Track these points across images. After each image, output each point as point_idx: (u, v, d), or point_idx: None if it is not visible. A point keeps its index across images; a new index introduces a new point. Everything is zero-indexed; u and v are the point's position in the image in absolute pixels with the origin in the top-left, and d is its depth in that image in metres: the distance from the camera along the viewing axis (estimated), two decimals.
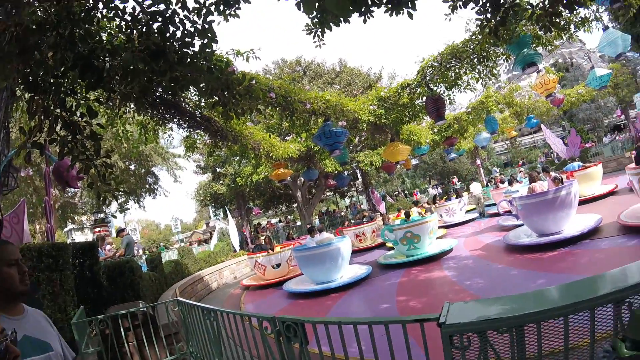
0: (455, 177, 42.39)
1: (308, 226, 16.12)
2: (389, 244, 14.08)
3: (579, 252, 8.72)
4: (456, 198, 20.23)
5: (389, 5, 4.83)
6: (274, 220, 42.26)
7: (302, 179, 24.15)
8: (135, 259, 13.37)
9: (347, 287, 10.63)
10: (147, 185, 30.46)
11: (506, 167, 45.61)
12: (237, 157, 23.29)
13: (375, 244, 17.48)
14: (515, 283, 7.78)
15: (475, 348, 2.12)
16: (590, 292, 2.07)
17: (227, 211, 26.06)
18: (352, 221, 22.38)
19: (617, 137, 31.17)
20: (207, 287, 15.15)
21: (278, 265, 13.92)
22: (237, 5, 5.04)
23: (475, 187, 23.41)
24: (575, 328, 2.11)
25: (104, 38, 5.52)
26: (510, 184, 19.43)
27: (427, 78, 12.50)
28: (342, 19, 5.05)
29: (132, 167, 28.55)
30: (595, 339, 2.06)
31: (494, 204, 18.27)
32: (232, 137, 12.45)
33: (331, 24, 5.28)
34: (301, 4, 2.88)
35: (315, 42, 5.96)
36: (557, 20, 5.67)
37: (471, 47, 11.40)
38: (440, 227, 16.80)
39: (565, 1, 5.38)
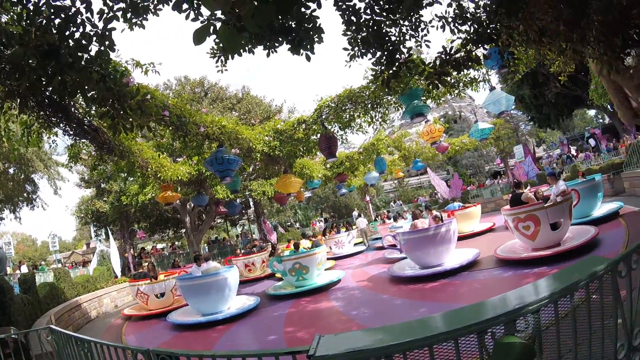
0: (356, 210, 43.48)
1: (194, 254, 15.55)
2: (278, 275, 13.97)
3: (458, 283, 9.32)
4: (345, 231, 20.64)
5: (290, 45, 4.95)
6: (159, 246, 40.40)
7: (192, 204, 23.38)
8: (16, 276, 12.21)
9: (235, 318, 10.37)
10: (25, 194, 27.82)
11: (394, 203, 47.65)
12: (124, 174, 21.97)
13: (264, 275, 17.06)
14: (399, 312, 8.13)
15: None
16: (454, 323, 2.19)
17: (110, 232, 24.37)
18: (242, 250, 22.04)
19: (496, 182, 33.69)
20: (86, 316, 14.09)
21: (162, 295, 13.21)
22: (145, 15, 4.91)
23: (361, 222, 24.26)
24: (443, 357, 2.19)
25: (2, 23, 5.12)
26: (395, 219, 20.26)
27: (323, 117, 12.93)
28: (247, 48, 5.09)
29: (11, 170, 25.98)
30: None
31: (381, 238, 18.89)
32: (119, 152, 11.76)
33: (237, 53, 5.31)
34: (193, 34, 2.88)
35: (217, 66, 5.93)
36: (446, 79, 6.11)
37: (367, 93, 12.05)
38: (329, 258, 17.11)
39: (454, 63, 5.79)
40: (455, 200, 21.27)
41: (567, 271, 2.66)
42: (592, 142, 31.96)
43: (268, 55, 5.22)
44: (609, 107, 25.14)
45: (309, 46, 5.00)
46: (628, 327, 2.49)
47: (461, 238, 14.86)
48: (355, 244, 21.11)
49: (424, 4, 5.77)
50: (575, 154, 30.51)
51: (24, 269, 25.18)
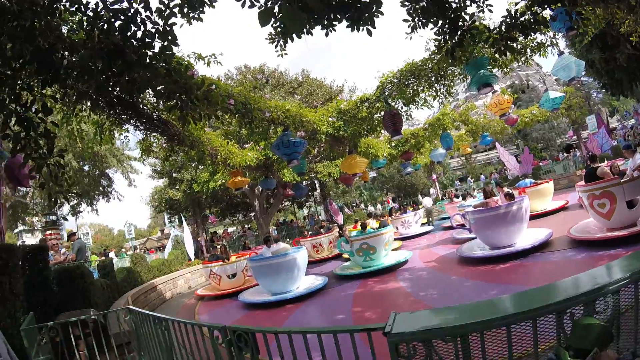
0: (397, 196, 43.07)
1: (265, 236, 15.90)
2: (345, 255, 14.08)
3: (530, 264, 8.97)
4: (412, 211, 20.47)
5: (350, 22, 4.91)
6: (230, 229, 41.64)
7: (260, 188, 23.86)
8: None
9: (303, 298, 10.56)
10: (100, 188, 29.60)
11: (461, 182, 46.61)
12: (194, 163, 22.77)
13: (332, 255, 17.32)
14: (468, 294, 7.96)
15: (421, 356, 2.15)
16: (533, 302, 2.14)
17: (183, 218, 25.38)
18: (310, 232, 22.34)
19: (569, 156, 32.23)
20: (161, 297, 14.77)
21: (234, 275, 13.67)
22: (201, 9, 5.02)
23: (427, 201, 23.91)
24: (519, 338, 2.16)
25: (64, 33, 5.39)
26: (464, 198, 19.85)
27: (386, 93, 12.73)
28: (305, 29, 5.09)
29: (86, 167, 27.71)
30: (542, 348, 2.12)
31: (449, 217, 18.58)
32: (190, 142, 12.21)
33: (294, 34, 5.32)
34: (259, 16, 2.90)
35: (277, 51, 5.98)
36: (513, 44, 5.86)
37: (430, 66, 11.69)
38: (396, 239, 16.95)
39: (520, 27, 5.56)
40: (527, 176, 20.57)
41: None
42: None
43: (327, 34, 5.22)
44: None
45: (369, 21, 4.94)
46: None
47: (533, 217, 14.21)
48: (422, 224, 20.91)
49: None
50: None
51: (112, 254, 26.87)
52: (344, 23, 5.08)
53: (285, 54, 6.13)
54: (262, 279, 11.45)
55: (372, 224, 16.75)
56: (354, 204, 47.46)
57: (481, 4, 5.78)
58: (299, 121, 12.74)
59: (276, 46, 5.85)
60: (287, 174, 20.35)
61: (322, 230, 19.21)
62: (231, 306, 11.82)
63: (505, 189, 12.11)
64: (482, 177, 41.48)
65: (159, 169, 30.37)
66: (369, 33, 5.03)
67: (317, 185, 32.95)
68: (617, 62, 26.53)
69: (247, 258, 13.63)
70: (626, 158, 10.71)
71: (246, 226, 39.92)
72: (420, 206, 23.82)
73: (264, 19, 2.99)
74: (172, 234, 27.35)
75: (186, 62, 8.42)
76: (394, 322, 2.29)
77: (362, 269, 12.08)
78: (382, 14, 5.21)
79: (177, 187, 28.78)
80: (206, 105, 7.44)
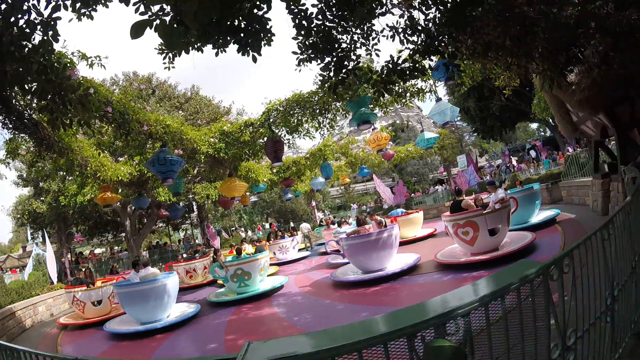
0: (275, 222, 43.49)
1: (133, 259, 14.96)
2: (220, 282, 13.72)
3: (400, 287, 9.56)
4: (290, 237, 20.61)
5: (238, 45, 4.91)
6: (98, 250, 38.81)
7: (133, 207, 22.47)
8: None
9: (175, 327, 10.07)
10: None
11: (339, 210, 47.97)
12: (62, 173, 20.72)
13: (206, 281, 16.65)
14: (341, 317, 8.13)
15: None
16: (384, 327, 2.21)
17: (46, 235, 23.03)
18: (184, 256, 21.48)
19: (439, 189, 34.57)
20: (20, 325, 13.19)
21: (99, 302, 12.62)
22: (94, 6, 4.74)
23: (304, 227, 24.50)
24: None
25: None
26: (339, 225, 20.41)
27: (271, 120, 12.94)
28: (196, 46, 5.02)
29: None
30: None
31: (325, 243, 18.96)
32: (59, 149, 11.25)
33: (178, 50, 5.20)
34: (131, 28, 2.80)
35: (164, 63, 5.81)
36: (391, 88, 6.22)
37: (315, 98, 12.14)
38: (273, 264, 17.06)
39: (400, 73, 5.89)
40: (399, 206, 21.64)
41: (499, 275, 2.72)
42: (532, 153, 33.61)
43: (217, 54, 5.17)
44: (550, 120, 26.24)
45: (256, 48, 4.96)
46: (562, 327, 2.58)
47: (404, 243, 15.25)
48: (300, 250, 21.11)
49: (376, 14, 5.85)
50: (515, 164, 31.73)
51: None
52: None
53: (173, 67, 5.99)
54: (129, 307, 10.68)
55: (248, 249, 16.58)
56: (233, 228, 46.70)
57: (370, 48, 6.08)
58: (179, 138, 12.35)
59: (164, 58, 5.68)
60: (162, 193, 19.51)
61: (196, 254, 18.55)
62: (97, 336, 10.90)
63: (378, 217, 12.68)
64: (354, 206, 42.92)
65: (24, 176, 27.53)
66: (254, 60, 5.07)
67: (194, 207, 31.88)
68: (491, 111, 29.32)
69: (113, 283, 12.63)
70: (490, 193, 11.75)
71: (115, 248, 37.33)
72: (297, 232, 24.04)
73: (135, 32, 2.88)
74: (33, 252, 24.97)
75: (68, 61, 7.90)
76: (246, 352, 2.27)
77: (236, 295, 11.85)
78: (271, 42, 5.28)
79: (42, 198, 26.18)
80: (80, 109, 6.95)
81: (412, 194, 36.83)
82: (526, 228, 11.76)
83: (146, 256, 26.63)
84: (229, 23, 4.69)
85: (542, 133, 53.47)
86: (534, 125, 58.59)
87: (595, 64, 7.49)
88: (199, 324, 10.24)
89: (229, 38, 4.92)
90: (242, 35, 4.89)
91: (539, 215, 13.16)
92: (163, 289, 10.42)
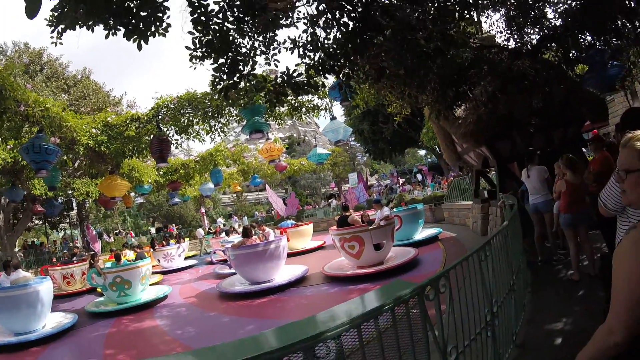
0: (173, 224, 42.08)
1: (4, 260, 13.49)
2: (99, 289, 12.88)
3: (287, 299, 9.61)
4: (176, 244, 20.00)
5: (125, 29, 4.75)
6: None
7: (7, 199, 19.90)
8: None
9: (51, 338, 9.27)
10: None
11: (230, 218, 47.41)
12: None
13: (85, 288, 15.24)
14: (225, 331, 8.03)
15: None
16: (244, 353, 2.14)
17: None
18: (62, 259, 19.89)
19: (329, 204, 35.31)
20: None
21: None
22: None
23: (199, 232, 24.00)
24: None
25: None
26: (227, 234, 20.16)
27: (160, 117, 12.37)
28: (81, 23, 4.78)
29: None
30: None
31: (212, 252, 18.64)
32: None
33: (70, 26, 4.93)
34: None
35: (52, 37, 5.43)
36: (283, 99, 6.28)
37: (209, 100, 11.78)
38: (157, 272, 16.60)
39: (294, 86, 5.99)
40: (290, 217, 21.83)
41: (374, 294, 2.80)
42: (419, 176, 35.62)
43: (107, 36, 4.95)
44: (436, 148, 27.95)
45: (142, 36, 4.82)
46: (441, 344, 2.70)
47: (294, 254, 15.52)
48: (186, 258, 20.54)
49: (281, 25, 5.88)
50: (400, 185, 33.40)
51: None
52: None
53: (61, 43, 5.58)
54: None
55: (129, 255, 15.80)
56: (117, 231, 44.23)
57: (269, 57, 6.09)
58: (58, 125, 11.32)
59: (52, 32, 5.32)
60: (38, 186, 17.78)
61: (74, 258, 17.30)
62: None
63: (266, 228, 12.75)
64: (234, 217, 42.49)
65: None
66: (139, 47, 4.92)
67: (74, 205, 29.74)
68: (383, 135, 30.67)
69: None
70: (376, 210, 12.28)
71: None
72: (183, 239, 23.33)
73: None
74: None
75: None
76: None
77: (116, 305, 11.19)
78: (165, 33, 5.14)
79: None
80: None
81: (304, 207, 37.38)
82: (410, 244, 12.38)
83: (21, 256, 24.45)
84: (121, 4, 4.50)
85: (429, 159, 56.57)
86: (422, 152, 61.77)
87: (483, 102, 8.12)
88: (76, 336, 9.55)
89: (117, 20, 4.73)
90: (132, 19, 4.72)
91: (423, 233, 13.98)
92: (36, 295, 9.52)
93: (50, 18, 5.18)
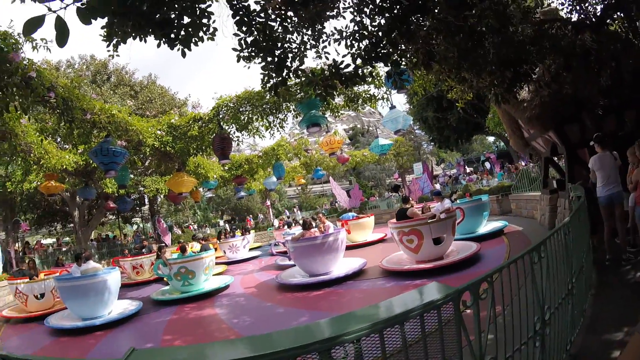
0: (250, 216, 42.88)
1: (77, 252, 14.30)
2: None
3: (342, 292, 9.50)
4: (240, 235, 20.31)
5: (164, 39, 4.71)
6: (46, 241, 37.08)
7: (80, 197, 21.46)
8: None
9: (115, 323, 9.74)
10: None
11: (293, 211, 47.80)
12: (7, 158, 19.35)
13: (153, 278, 15.84)
14: (279, 321, 8.10)
15: None
16: (260, 350, 2.01)
17: None
18: (133, 250, 20.73)
19: (393, 195, 34.80)
20: None
21: (42, 296, 11.98)
22: None
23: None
24: None
25: None
26: (289, 226, 20.22)
27: (220, 116, 12.60)
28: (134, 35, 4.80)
29: None
30: None
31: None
32: (1, 133, 10.82)
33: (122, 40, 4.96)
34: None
35: (108, 50, 5.51)
36: (332, 91, 6.09)
37: (267, 97, 11.81)
38: (222, 263, 17.01)
39: (343, 78, 5.79)
40: (351, 210, 21.64)
41: (404, 298, 2.57)
42: (487, 165, 34.23)
43: (158, 46, 4.94)
44: (505, 135, 26.80)
45: (185, 42, 4.78)
46: (478, 358, 2.45)
47: (354, 247, 15.36)
48: (251, 249, 20.85)
49: (327, 16, 5.71)
50: (464, 175, 32.42)
51: None
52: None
53: (117, 55, 5.65)
54: (69, 302, 10.24)
55: (196, 247, 16.21)
56: (187, 224, 45.63)
57: (319, 50, 5.94)
58: (124, 129, 11.88)
59: (107, 46, 5.40)
60: (109, 185, 18.80)
61: (143, 250, 18.00)
62: (38, 331, 10.37)
63: (326, 221, 12.65)
64: (296, 210, 42.54)
65: None
66: (183, 54, 4.88)
67: (146, 200, 31.04)
68: (448, 122, 29.78)
69: (55, 276, 11.94)
70: (437, 202, 11.83)
71: (61, 239, 35.75)
72: (250, 231, 23.62)
73: (27, 30, 2.70)
74: None
75: (13, 42, 7.45)
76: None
77: (180, 294, 11.54)
78: (212, 37, 5.09)
79: None
80: (21, 94, 6.53)
81: (368, 198, 37.04)
82: (473, 238, 11.85)
83: (92, 249, 25.71)
84: (162, 15, 4.47)
85: (496, 147, 54.69)
86: (491, 139, 59.82)
87: (546, 83, 7.57)
88: (139, 322, 9.95)
89: (154, 30, 4.71)
90: (174, 29, 4.69)
91: (487, 226, 13.31)
92: (103, 284, 10.01)
93: (104, 34, 5.26)
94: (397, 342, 2.11)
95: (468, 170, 35.92)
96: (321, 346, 1.85)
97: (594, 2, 7.94)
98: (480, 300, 2.44)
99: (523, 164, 25.26)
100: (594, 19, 7.42)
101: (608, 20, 7.55)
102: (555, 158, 12.43)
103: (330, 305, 8.70)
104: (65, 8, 3.11)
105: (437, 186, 28.41)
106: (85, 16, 3.04)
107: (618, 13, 7.52)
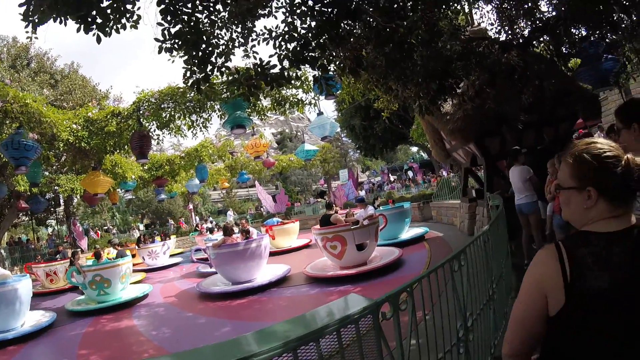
0: (182, 219, 41.88)
1: None
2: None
3: (266, 300, 9.39)
4: (161, 241, 19.65)
5: (80, 22, 4.41)
6: None
7: None
8: None
9: (28, 337, 9.10)
10: None
11: (219, 215, 47.00)
12: None
13: (69, 286, 14.49)
14: (200, 332, 7.91)
15: None
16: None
17: None
18: (46, 256, 19.53)
19: (317, 201, 35.05)
20: None
21: None
22: None
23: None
24: None
25: None
26: (211, 232, 19.83)
27: (141, 112, 12.10)
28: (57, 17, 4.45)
29: None
30: None
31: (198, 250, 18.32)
32: None
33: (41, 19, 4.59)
34: None
35: (27, 32, 5.06)
36: (257, 91, 5.95)
37: (191, 95, 11.43)
38: (141, 270, 16.49)
39: (269, 79, 5.67)
40: (274, 215, 21.54)
41: (321, 312, 2.48)
42: (410, 173, 35.31)
43: (78, 30, 4.61)
44: (427, 145, 27.64)
45: (101, 28, 4.49)
46: None
47: (279, 253, 15.36)
48: (171, 255, 20.19)
49: (258, 15, 5.56)
50: (388, 183, 33.23)
51: None
52: None
53: (36, 37, 5.21)
54: None
55: (113, 253, 15.49)
56: (106, 227, 43.73)
57: (248, 49, 5.79)
58: (37, 120, 11.13)
59: (26, 27, 4.96)
60: (22, 182, 17.59)
61: (58, 256, 17.01)
62: None
63: (248, 226, 12.47)
64: (229, 212, 42.06)
65: None
66: (98, 40, 4.59)
67: (61, 201, 29.44)
68: (374, 131, 30.39)
69: None
70: (360, 209, 11.97)
71: None
72: (169, 237, 22.96)
73: None
74: None
75: None
76: None
77: (96, 304, 10.96)
78: (136, 25, 4.83)
79: None
80: None
81: (294, 204, 37.09)
82: (396, 244, 12.07)
83: (6, 253, 24.14)
84: None
85: (420, 156, 56.44)
86: (414, 148, 61.59)
87: (470, 97, 7.79)
88: (53, 335, 9.37)
89: (73, 13, 4.41)
90: (91, 12, 4.40)
91: (409, 232, 13.65)
92: (14, 293, 9.31)
93: (22, 13, 4.86)
94: (314, 358, 1.99)
95: (392, 178, 36.78)
96: None
97: (522, 24, 8.33)
98: (400, 311, 2.38)
99: (444, 173, 26.14)
100: (521, 40, 7.76)
101: (534, 42, 7.92)
102: (475, 168, 12.88)
103: (253, 314, 8.56)
104: None
105: (362, 193, 28.88)
106: None
107: (544, 36, 7.89)
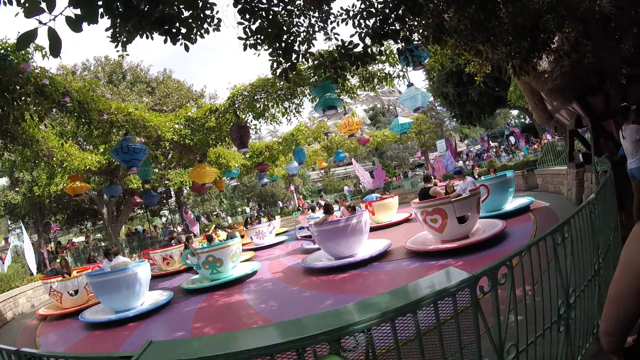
0: (280, 201, 43.26)
1: (106, 248, 14.66)
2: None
3: (367, 274, 9.48)
4: (267, 221, 20.45)
5: (166, 35, 4.64)
6: (77, 239, 37.94)
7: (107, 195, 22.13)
8: None
9: (147, 314, 10.00)
10: None
11: (319, 194, 47.86)
12: (31, 163, 20.12)
13: (183, 268, 16.16)
14: (306, 305, 8.17)
15: None
16: (272, 339, 2.08)
17: (22, 226, 22.43)
18: (162, 242, 21.11)
19: (417, 173, 34.53)
20: (1, 318, 12.89)
21: (76, 292, 12.39)
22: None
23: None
24: None
25: None
26: (313, 210, 20.25)
27: (236, 105, 12.63)
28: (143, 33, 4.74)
29: None
30: None
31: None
32: (23, 141, 10.96)
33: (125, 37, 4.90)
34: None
35: (117, 50, 5.45)
36: (343, 72, 5.95)
37: (281, 83, 11.71)
38: (250, 249, 17.26)
39: (352, 58, 5.66)
40: (374, 191, 21.51)
41: (421, 284, 2.50)
42: (512, 139, 33.62)
43: (165, 41, 4.89)
44: (528, 107, 26.19)
45: (187, 37, 4.71)
46: (497, 344, 2.36)
47: (378, 228, 15.38)
48: (277, 234, 21.03)
49: None
50: (486, 152, 31.91)
51: None
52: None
53: (127, 54, 5.61)
54: (102, 296, 10.56)
55: (223, 235, 16.39)
56: (215, 213, 46.18)
57: (328, 32, 5.82)
58: (142, 125, 12.04)
59: (116, 46, 5.35)
60: (134, 181, 19.22)
61: (172, 241, 18.30)
62: (73, 326, 10.71)
63: (348, 202, 12.56)
64: (346, 187, 42.48)
65: None
66: (186, 49, 4.81)
67: (172, 193, 31.48)
68: (469, 97, 29.11)
69: (87, 273, 12.30)
70: (459, 181, 11.60)
71: (91, 236, 36.45)
72: (274, 217, 23.80)
73: (19, 45, 2.65)
74: (11, 243, 24.49)
75: (22, 53, 7.45)
76: (144, 352, 2.12)
77: (209, 282, 11.73)
78: (218, 28, 5.01)
79: (17, 189, 25.71)
80: (35, 103, 6.56)
81: (392, 178, 36.81)
82: (499, 216, 11.60)
83: (124, 243, 26.27)
84: (160, 12, 4.40)
85: (523, 120, 53.54)
86: (515, 112, 58.58)
87: (565, 52, 7.30)
88: (170, 311, 10.17)
89: (158, 28, 4.65)
90: (174, 25, 4.63)
91: (513, 203, 13.06)
92: (134, 277, 10.30)
93: (110, 35, 5.23)
94: (411, 330, 2.05)
95: (493, 144, 35.29)
96: (328, 337, 1.84)
97: None
98: (499, 285, 2.35)
99: (549, 137, 24.66)
100: None
101: None
102: (581, 130, 12.04)
103: (355, 287, 8.70)
104: (54, 19, 3.07)
105: (459, 163, 28.07)
106: (74, 24, 3.00)
107: None
